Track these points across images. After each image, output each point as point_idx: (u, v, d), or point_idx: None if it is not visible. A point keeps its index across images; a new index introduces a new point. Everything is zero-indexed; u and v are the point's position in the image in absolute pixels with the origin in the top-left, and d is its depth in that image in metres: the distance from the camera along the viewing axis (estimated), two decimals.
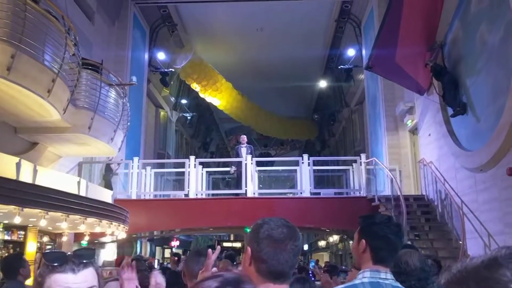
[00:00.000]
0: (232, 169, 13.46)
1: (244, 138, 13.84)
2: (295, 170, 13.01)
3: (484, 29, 8.80)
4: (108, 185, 12.54)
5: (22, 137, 9.37)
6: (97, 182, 12.71)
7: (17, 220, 7.05)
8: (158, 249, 21.84)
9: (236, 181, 13.48)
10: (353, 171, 12.91)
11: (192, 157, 12.81)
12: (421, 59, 11.02)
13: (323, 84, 23.11)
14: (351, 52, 17.52)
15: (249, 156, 12.72)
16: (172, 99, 21.08)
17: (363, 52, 16.09)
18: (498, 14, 8.19)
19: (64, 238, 10.48)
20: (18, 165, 7.27)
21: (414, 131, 13.33)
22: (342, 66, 18.18)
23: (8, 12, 6.71)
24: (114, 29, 14.71)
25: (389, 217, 2.18)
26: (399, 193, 10.39)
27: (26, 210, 6.80)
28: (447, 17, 10.46)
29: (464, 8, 9.70)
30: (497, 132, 7.93)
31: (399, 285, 1.99)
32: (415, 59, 11.07)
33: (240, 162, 12.81)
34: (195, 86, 20.01)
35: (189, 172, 12.40)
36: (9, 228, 8.95)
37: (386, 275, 1.99)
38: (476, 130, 9.15)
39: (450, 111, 10.27)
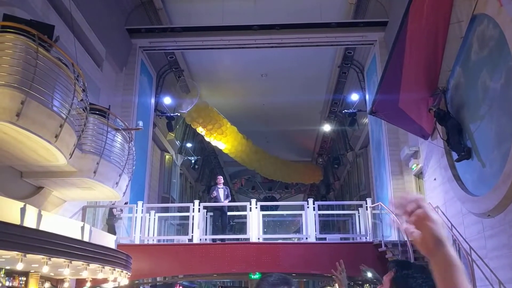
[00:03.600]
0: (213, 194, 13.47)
1: (220, 178, 13.86)
2: (300, 215, 12.89)
3: (485, 75, 8.93)
4: (111, 230, 12.43)
5: (28, 182, 9.39)
6: (101, 226, 12.62)
7: (20, 266, 6.96)
8: None
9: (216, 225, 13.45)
10: (359, 216, 12.78)
11: (197, 201, 12.75)
12: (424, 104, 11.13)
13: (327, 128, 23.29)
14: (354, 97, 17.75)
15: (254, 200, 12.65)
16: (177, 142, 21.22)
17: (367, 96, 16.29)
18: (499, 61, 8.34)
19: (66, 284, 10.30)
20: (22, 210, 7.25)
21: (419, 175, 13.28)
22: (346, 111, 18.38)
23: (20, 60, 6.90)
24: (122, 75, 15.04)
25: (424, 269, 2.06)
26: (406, 239, 10.24)
27: (29, 256, 6.73)
28: (448, 64, 10.65)
29: (465, 55, 9.89)
30: (503, 177, 7.89)
31: None
32: (418, 104, 11.18)
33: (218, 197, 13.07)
34: (200, 130, 20.21)
35: (193, 216, 12.31)
36: (10, 274, 8.83)
37: None
38: (481, 175, 9.11)
39: (455, 155, 10.27)
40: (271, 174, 25.77)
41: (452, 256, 1.32)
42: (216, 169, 29.88)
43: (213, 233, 13.43)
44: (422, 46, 10.49)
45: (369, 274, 9.44)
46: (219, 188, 13.41)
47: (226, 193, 13.38)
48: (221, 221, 13.18)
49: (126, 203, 12.98)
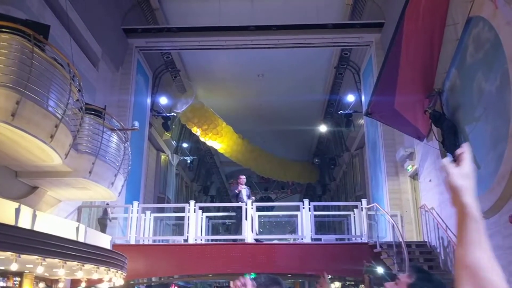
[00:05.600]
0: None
1: (243, 178, 13.70)
2: (296, 215, 12.90)
3: (481, 77, 8.97)
4: (103, 229, 12.39)
5: (23, 181, 9.36)
6: (96, 226, 12.58)
7: (14, 267, 6.94)
8: None
9: (237, 224, 13.24)
10: (354, 217, 12.81)
11: (192, 202, 12.73)
12: (420, 106, 11.17)
13: (323, 128, 23.32)
14: (350, 98, 17.77)
15: (249, 201, 12.64)
16: (173, 142, 21.19)
17: (363, 98, 16.32)
18: (494, 63, 8.37)
19: (61, 285, 10.25)
20: (17, 211, 7.23)
21: (414, 176, 13.32)
22: (342, 111, 18.40)
23: (15, 59, 6.89)
24: (118, 75, 15.00)
25: (444, 286, 2.02)
26: (401, 240, 10.28)
27: (24, 256, 6.70)
28: (444, 66, 10.69)
29: (461, 57, 9.92)
30: (498, 179, 7.93)
31: None
32: (414, 105, 11.22)
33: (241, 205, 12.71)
34: (195, 130, 20.19)
35: (188, 217, 12.30)
36: (4, 274, 8.79)
37: None
38: (476, 176, 9.11)
39: (450, 157, 10.31)
40: (267, 172, 25.77)
41: (468, 205, 1.22)
42: (212, 169, 29.86)
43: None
44: (418, 47, 10.52)
45: (379, 269, 9.62)
46: (243, 188, 13.29)
47: (248, 193, 13.26)
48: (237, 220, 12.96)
49: (107, 204, 12.83)
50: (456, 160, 1.37)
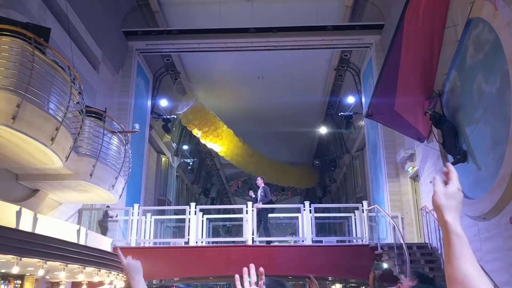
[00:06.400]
0: (251, 193, 13.25)
1: (259, 179, 13.44)
2: (296, 217, 12.89)
3: (480, 79, 8.98)
4: (104, 231, 12.39)
5: (24, 184, 9.36)
6: (96, 229, 12.59)
7: (15, 270, 6.93)
8: None
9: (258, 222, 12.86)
10: (355, 219, 12.81)
11: (193, 204, 12.74)
12: (420, 107, 11.17)
13: (323, 130, 23.33)
14: (350, 99, 17.79)
15: (250, 203, 12.61)
16: (174, 145, 21.20)
17: (363, 99, 16.33)
18: (494, 65, 8.38)
19: (61, 287, 10.27)
20: (18, 214, 7.23)
21: (415, 178, 13.32)
22: (342, 113, 18.42)
23: (16, 62, 6.89)
24: (118, 77, 15.01)
25: None
26: (402, 241, 10.27)
27: (25, 259, 6.70)
28: (444, 67, 10.70)
29: (460, 59, 9.93)
30: (498, 180, 7.93)
31: None
32: (414, 107, 11.22)
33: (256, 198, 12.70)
34: (196, 132, 20.21)
35: (189, 219, 12.31)
36: (5, 277, 8.79)
37: None
38: (477, 178, 9.14)
39: (450, 158, 10.31)
40: (267, 177, 25.71)
41: (449, 223, 1.29)
42: (212, 171, 29.87)
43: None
44: (418, 49, 10.53)
45: (385, 265, 9.87)
46: (258, 189, 13.20)
47: (262, 193, 12.84)
48: (262, 222, 12.63)
49: (107, 206, 12.84)
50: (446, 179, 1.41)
